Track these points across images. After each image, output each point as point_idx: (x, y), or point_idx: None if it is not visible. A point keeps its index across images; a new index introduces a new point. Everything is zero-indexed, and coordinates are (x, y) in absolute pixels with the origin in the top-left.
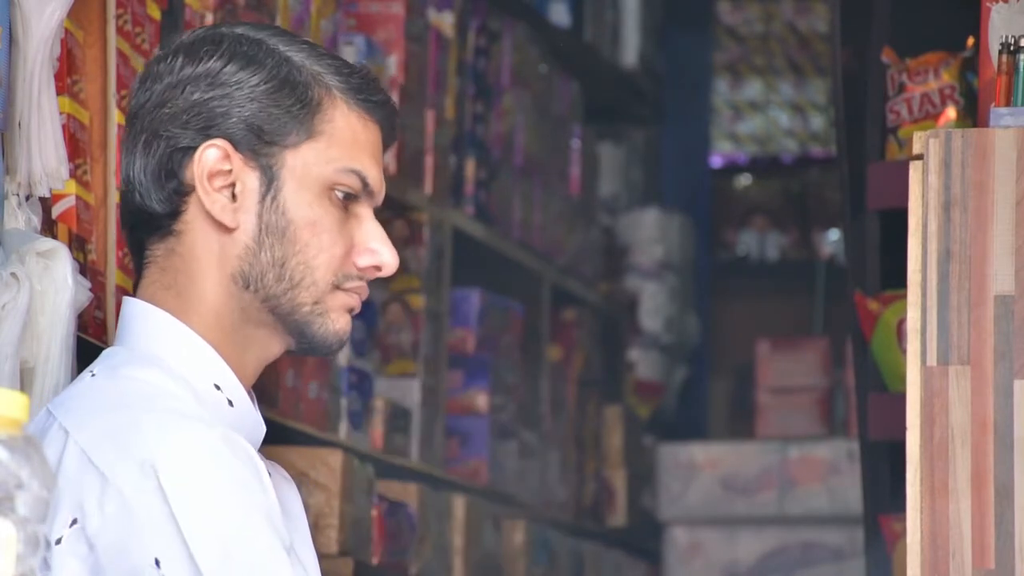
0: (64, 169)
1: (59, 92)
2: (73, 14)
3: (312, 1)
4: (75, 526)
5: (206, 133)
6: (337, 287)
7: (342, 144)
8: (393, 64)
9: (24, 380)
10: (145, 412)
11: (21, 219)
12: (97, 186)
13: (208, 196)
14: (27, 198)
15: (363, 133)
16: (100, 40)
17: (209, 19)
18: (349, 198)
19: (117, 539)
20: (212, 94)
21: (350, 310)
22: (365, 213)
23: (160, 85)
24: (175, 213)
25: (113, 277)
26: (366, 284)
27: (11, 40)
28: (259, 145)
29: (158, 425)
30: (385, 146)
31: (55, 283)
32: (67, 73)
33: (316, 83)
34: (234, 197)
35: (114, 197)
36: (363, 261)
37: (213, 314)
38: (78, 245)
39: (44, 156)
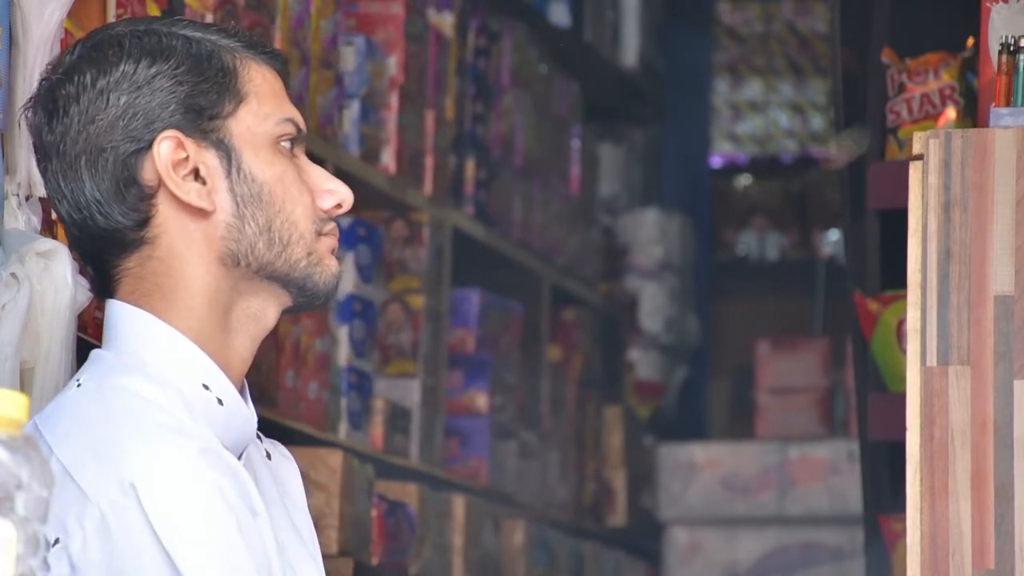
0: None
1: None
2: (73, 14)
3: (312, 1)
4: (57, 546)
5: (151, 129)
6: (319, 233)
7: (267, 98)
8: (393, 64)
9: (24, 380)
10: (126, 428)
11: (21, 219)
12: None
13: (180, 187)
14: (27, 198)
15: (276, 83)
16: None
17: (209, 19)
18: (292, 145)
19: (98, 560)
20: (139, 92)
21: (333, 251)
22: (304, 158)
23: (77, 107)
24: (144, 222)
25: None
26: (336, 225)
27: (11, 41)
28: (203, 122)
29: (138, 442)
30: None
31: (55, 283)
32: None
33: (222, 51)
34: (202, 181)
35: None
36: (327, 203)
37: (204, 304)
38: None
39: None
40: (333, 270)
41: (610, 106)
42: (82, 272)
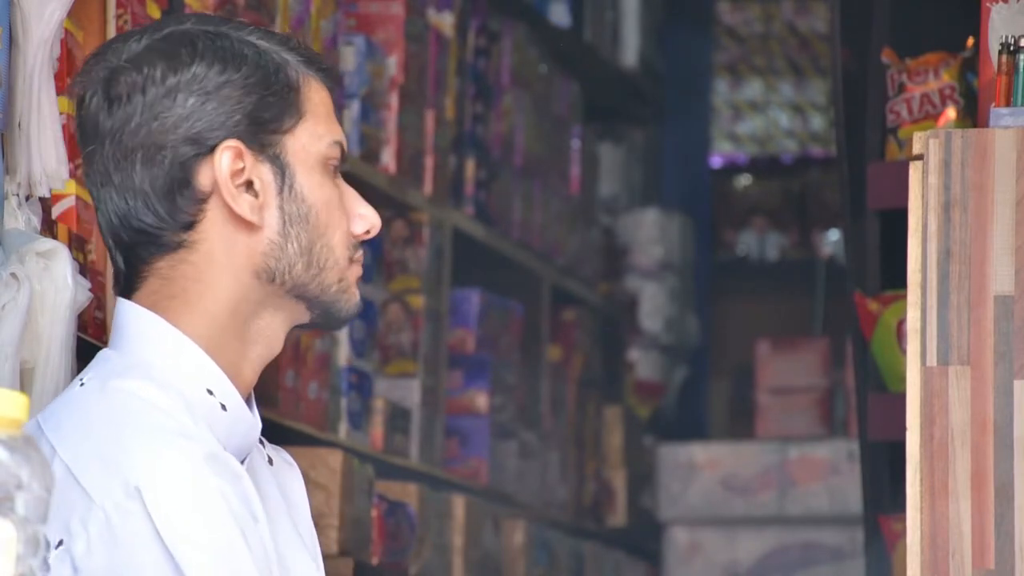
0: (64, 169)
1: (59, 92)
2: (73, 14)
3: (312, 1)
4: (60, 547)
5: (213, 136)
6: (351, 260)
7: (321, 118)
8: (393, 64)
9: (24, 380)
10: (130, 431)
11: (21, 219)
12: None
13: (235, 199)
14: (27, 198)
15: (329, 102)
16: (100, 40)
17: None
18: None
19: (101, 563)
20: (208, 97)
21: (358, 279)
22: (341, 180)
23: (143, 98)
24: (188, 225)
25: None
26: (363, 251)
27: (11, 41)
28: (264, 136)
29: (142, 445)
30: None
31: (55, 283)
32: (67, 73)
33: (287, 64)
34: (255, 194)
35: None
36: (359, 228)
37: (226, 312)
38: (78, 245)
39: (44, 156)
40: (357, 299)
41: (610, 106)
42: (82, 272)
